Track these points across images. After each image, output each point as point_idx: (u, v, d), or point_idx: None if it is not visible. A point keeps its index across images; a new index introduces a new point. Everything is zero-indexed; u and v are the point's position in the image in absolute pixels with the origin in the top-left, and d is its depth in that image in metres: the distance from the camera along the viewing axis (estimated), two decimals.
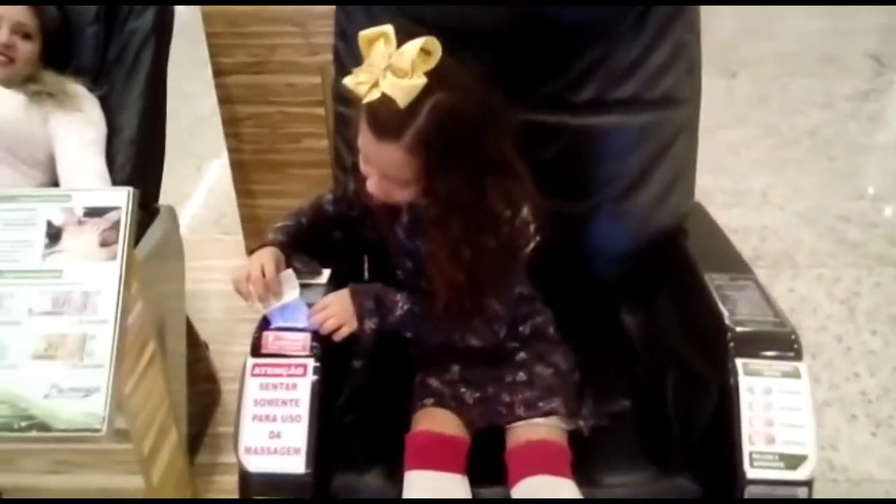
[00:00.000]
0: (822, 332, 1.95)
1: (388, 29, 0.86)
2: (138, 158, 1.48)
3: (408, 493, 0.98)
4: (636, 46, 1.22)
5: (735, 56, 3.44)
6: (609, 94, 1.24)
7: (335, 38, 1.31)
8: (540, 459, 1.00)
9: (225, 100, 2.06)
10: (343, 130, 1.34)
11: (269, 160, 2.13)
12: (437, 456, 1.00)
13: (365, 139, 0.90)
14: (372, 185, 0.93)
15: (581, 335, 1.22)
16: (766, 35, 3.82)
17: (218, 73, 2.02)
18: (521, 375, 1.10)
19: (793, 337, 0.96)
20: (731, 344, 0.97)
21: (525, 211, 0.96)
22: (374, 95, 0.84)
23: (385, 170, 0.90)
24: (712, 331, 1.01)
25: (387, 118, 0.85)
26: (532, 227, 0.97)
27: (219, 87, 2.05)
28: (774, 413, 0.91)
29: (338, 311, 1.02)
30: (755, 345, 0.96)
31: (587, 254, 1.25)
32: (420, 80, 0.83)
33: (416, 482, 0.98)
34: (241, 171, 2.16)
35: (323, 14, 1.84)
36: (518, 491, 0.98)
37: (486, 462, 1.02)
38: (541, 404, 1.05)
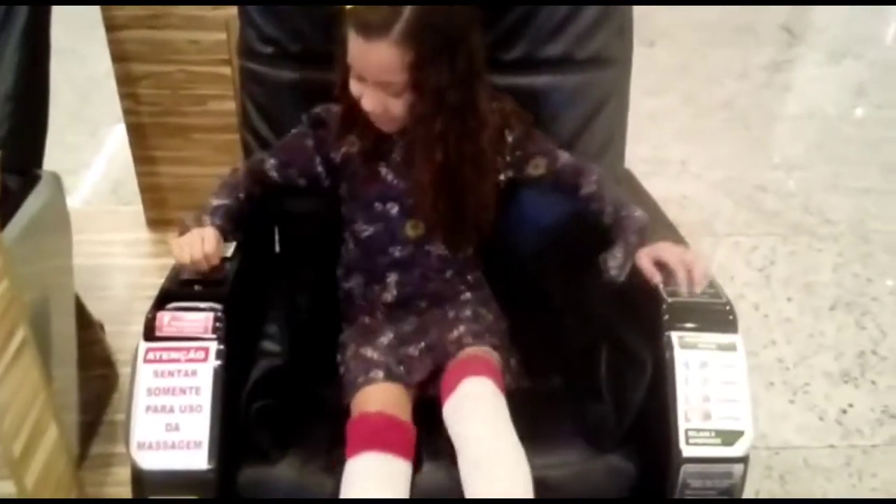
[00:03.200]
0: (739, 301, 1.95)
1: None
2: (15, 118, 1.30)
3: (357, 479, 0.89)
4: (564, 4, 1.15)
5: (653, 25, 3.44)
6: (539, 53, 1.17)
7: None
8: (476, 366, 0.98)
9: (119, 57, 1.89)
10: (252, 88, 1.22)
11: (169, 124, 1.97)
12: (392, 440, 0.93)
13: (354, 47, 0.90)
14: (367, 101, 0.93)
15: (509, 306, 1.16)
16: (681, 4, 3.84)
17: (111, 27, 1.85)
18: (468, 313, 1.08)
19: (728, 308, 0.93)
20: (666, 316, 0.92)
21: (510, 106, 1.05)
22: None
23: (378, 74, 0.90)
24: (645, 302, 0.96)
25: (373, 17, 0.87)
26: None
27: (112, 42, 1.87)
28: (711, 388, 0.87)
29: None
30: (690, 316, 0.92)
31: (514, 220, 1.18)
32: None
33: (372, 465, 0.90)
34: (139, 136, 2.00)
35: None
36: (455, 395, 0.95)
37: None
38: (487, 336, 1.05)
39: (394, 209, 1.07)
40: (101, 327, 1.65)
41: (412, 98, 0.93)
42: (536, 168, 1.11)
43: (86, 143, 2.70)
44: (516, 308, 1.17)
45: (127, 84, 1.93)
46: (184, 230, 0.99)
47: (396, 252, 1.09)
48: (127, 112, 1.97)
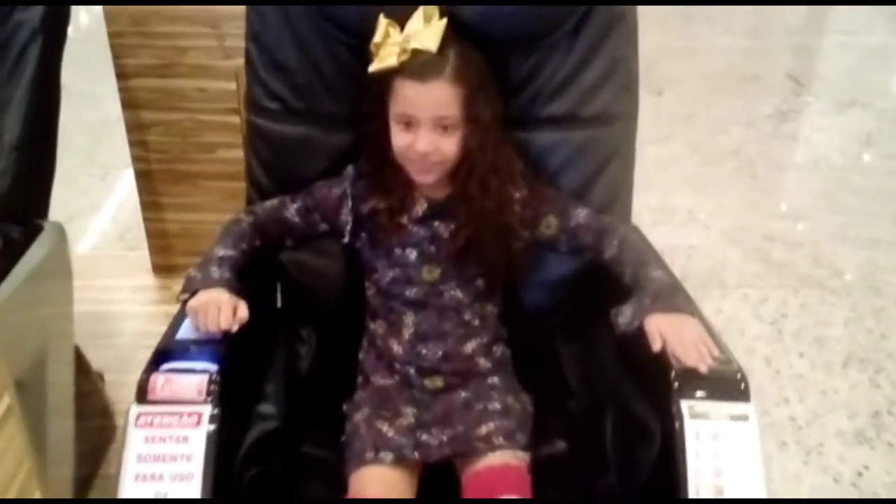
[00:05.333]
0: (750, 355, 1.93)
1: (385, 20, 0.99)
2: (20, 167, 1.30)
3: None
4: (570, 61, 1.14)
5: (661, 73, 3.46)
6: (542, 111, 1.16)
7: (246, 40, 1.19)
8: (507, 483, 0.97)
9: (130, 104, 1.90)
10: (256, 143, 1.22)
11: (178, 170, 1.97)
12: None
13: (409, 93, 0.98)
14: (421, 142, 0.99)
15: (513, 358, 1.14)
16: (689, 53, 3.87)
17: (122, 75, 1.86)
18: (496, 405, 1.06)
19: (739, 376, 0.89)
20: (676, 384, 0.89)
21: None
22: (405, 57, 0.96)
23: (435, 110, 0.98)
24: (653, 367, 0.93)
25: (427, 63, 0.96)
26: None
27: (123, 90, 1.88)
28: (723, 461, 0.84)
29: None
30: (700, 384, 0.89)
31: (518, 279, 1.16)
32: (442, 22, 0.97)
33: None
34: (148, 182, 2.00)
35: (237, 15, 1.70)
36: None
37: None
38: (518, 435, 1.02)
39: (412, 254, 1.09)
40: (101, 377, 1.63)
41: (462, 134, 1.01)
42: (548, 227, 1.11)
43: (96, 187, 2.71)
44: (517, 370, 1.14)
45: (137, 131, 1.94)
46: (190, 286, 0.99)
47: (412, 293, 1.09)
48: (136, 159, 1.98)
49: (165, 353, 0.91)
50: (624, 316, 0.98)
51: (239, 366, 0.96)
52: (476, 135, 1.01)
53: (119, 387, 1.66)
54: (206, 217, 2.00)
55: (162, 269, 2.11)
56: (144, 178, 2.00)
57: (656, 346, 0.92)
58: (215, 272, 1.00)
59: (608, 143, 1.19)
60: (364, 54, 1.04)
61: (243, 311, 0.95)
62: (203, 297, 0.96)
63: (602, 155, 1.18)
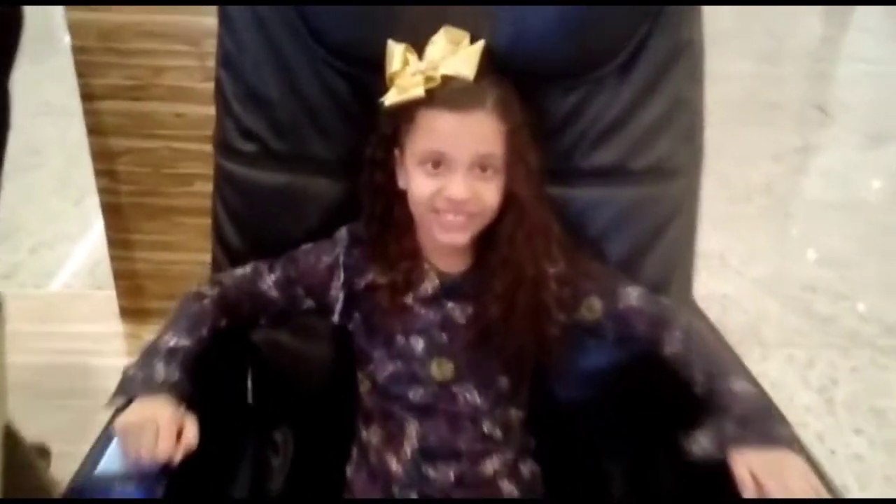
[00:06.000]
0: (802, 430, 1.67)
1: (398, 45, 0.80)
2: None
3: None
4: (621, 100, 0.92)
5: None
6: (584, 161, 0.93)
7: (217, 66, 0.96)
8: None
9: (97, 130, 1.67)
10: (226, 193, 0.98)
11: (150, 205, 1.74)
12: None
13: (442, 126, 0.77)
14: (458, 186, 0.78)
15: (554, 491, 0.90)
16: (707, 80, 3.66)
17: (88, 96, 1.64)
18: None
19: None
20: None
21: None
22: (433, 84, 0.77)
23: (477, 145, 0.78)
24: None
25: (464, 91, 0.78)
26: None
27: (89, 114, 1.66)
28: None
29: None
30: None
31: (548, 370, 0.93)
32: (479, 43, 0.79)
33: None
34: (116, 218, 1.77)
35: None
36: None
37: None
38: None
39: (418, 344, 0.86)
40: (46, 450, 1.39)
41: (503, 181, 0.81)
42: (591, 311, 0.88)
43: (69, 213, 2.47)
44: (552, 482, 0.90)
45: (104, 160, 1.71)
46: (125, 390, 0.76)
47: (417, 396, 0.86)
48: (103, 190, 1.75)
49: (81, 492, 0.67)
50: (699, 445, 0.75)
51: (188, 493, 0.72)
52: (521, 182, 0.81)
53: (68, 459, 1.41)
54: (180, 257, 1.77)
55: (131, 313, 1.87)
56: (113, 213, 1.76)
57: (748, 494, 0.69)
58: (160, 371, 0.77)
59: (665, 203, 0.96)
60: (362, 85, 0.83)
61: (191, 434, 0.72)
62: (137, 413, 0.72)
63: (658, 217, 0.95)
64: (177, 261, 1.78)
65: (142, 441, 0.70)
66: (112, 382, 0.79)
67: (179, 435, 0.71)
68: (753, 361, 1.85)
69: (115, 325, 1.88)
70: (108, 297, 1.91)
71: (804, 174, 2.92)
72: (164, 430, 0.70)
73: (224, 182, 0.97)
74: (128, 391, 0.76)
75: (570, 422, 0.95)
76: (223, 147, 0.97)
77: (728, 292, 2.14)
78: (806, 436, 1.66)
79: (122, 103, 1.63)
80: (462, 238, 0.82)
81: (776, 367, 1.87)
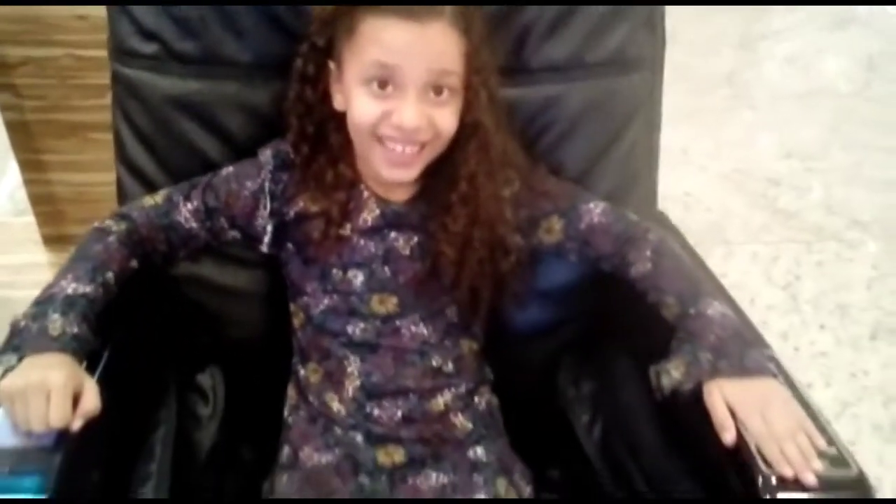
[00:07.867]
0: (765, 330, 1.63)
1: None
2: None
3: None
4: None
5: None
6: (532, 58, 0.81)
7: None
8: None
9: None
10: (127, 104, 0.84)
11: (59, 121, 1.56)
12: None
13: (391, 36, 0.67)
14: (409, 113, 0.68)
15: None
16: None
17: None
18: (481, 493, 0.76)
19: (862, 481, 0.59)
20: (760, 480, 0.59)
21: None
22: None
23: (432, 61, 0.68)
24: (720, 455, 0.62)
25: None
26: None
27: None
28: None
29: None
30: (797, 490, 0.58)
31: (514, 293, 0.83)
32: None
33: None
34: (23, 137, 1.59)
35: None
36: None
37: None
38: None
39: (357, 278, 0.77)
40: None
41: (459, 105, 0.71)
42: (550, 232, 0.79)
43: None
44: (512, 415, 0.83)
45: (2, 72, 1.51)
46: (14, 343, 0.64)
47: (357, 331, 0.77)
48: (5, 107, 1.55)
49: None
50: (670, 377, 0.66)
51: (91, 462, 0.63)
52: (482, 109, 0.71)
53: None
54: (99, 178, 1.59)
55: (54, 240, 1.72)
56: (19, 132, 1.58)
57: (727, 438, 0.61)
58: (56, 324, 0.65)
59: (626, 98, 0.85)
60: None
61: (90, 397, 0.62)
62: (24, 376, 0.61)
63: (618, 116, 0.85)
64: (95, 182, 1.62)
65: (30, 407, 0.59)
66: None
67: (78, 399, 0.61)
68: (716, 260, 1.80)
69: (37, 255, 1.73)
70: (28, 223, 1.76)
71: (769, 61, 2.80)
72: (56, 394, 0.60)
73: (123, 92, 0.83)
74: (18, 347, 0.64)
75: (529, 347, 0.87)
76: (119, 51, 0.82)
77: (691, 189, 2.06)
78: (770, 336, 1.61)
79: (15, 7, 1.42)
80: (409, 174, 0.72)
81: (739, 265, 1.82)
